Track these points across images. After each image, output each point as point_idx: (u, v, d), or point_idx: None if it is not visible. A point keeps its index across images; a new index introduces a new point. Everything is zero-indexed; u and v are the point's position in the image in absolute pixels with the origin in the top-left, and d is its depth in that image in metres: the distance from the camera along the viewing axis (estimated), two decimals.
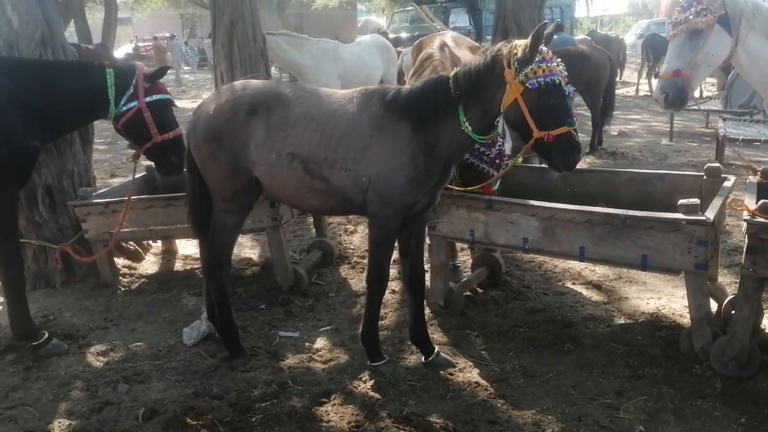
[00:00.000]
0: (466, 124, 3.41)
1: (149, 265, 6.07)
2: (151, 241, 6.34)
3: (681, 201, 3.74)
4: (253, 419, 3.44)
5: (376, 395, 3.66)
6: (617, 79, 14.81)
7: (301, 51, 10.57)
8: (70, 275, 5.52)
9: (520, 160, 3.73)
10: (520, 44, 3.24)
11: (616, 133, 12.40)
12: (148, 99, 4.44)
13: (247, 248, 6.43)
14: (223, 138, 3.75)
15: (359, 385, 3.79)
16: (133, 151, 4.89)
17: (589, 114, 11.06)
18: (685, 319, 4.41)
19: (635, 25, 37.48)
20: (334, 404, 3.59)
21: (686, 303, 4.01)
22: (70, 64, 4.91)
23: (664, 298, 4.92)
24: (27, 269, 5.43)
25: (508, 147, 3.49)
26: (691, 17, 3.79)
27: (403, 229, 3.79)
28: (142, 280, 5.69)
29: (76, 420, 3.56)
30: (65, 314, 4.99)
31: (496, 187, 4.57)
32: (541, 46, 3.21)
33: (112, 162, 10.91)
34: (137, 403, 3.66)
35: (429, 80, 3.62)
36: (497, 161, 4.56)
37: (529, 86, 3.19)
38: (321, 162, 3.60)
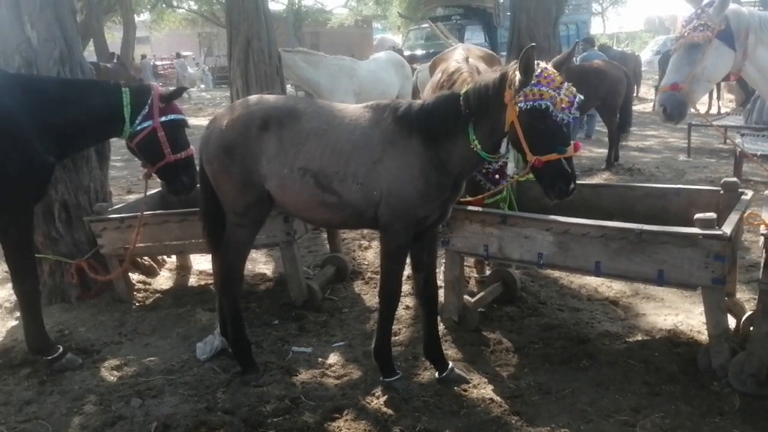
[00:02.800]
0: (476, 142, 3.41)
1: (164, 280, 6.09)
2: (165, 257, 6.37)
3: (697, 215, 3.70)
4: None
5: (389, 411, 3.63)
6: (633, 95, 14.73)
7: (317, 68, 10.65)
8: (85, 290, 5.54)
9: (516, 180, 3.70)
10: None
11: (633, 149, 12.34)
12: (162, 119, 4.50)
13: (261, 263, 6.44)
14: (235, 152, 3.77)
15: (372, 401, 3.76)
16: (145, 170, 4.92)
17: (606, 130, 11.02)
18: (703, 336, 4.34)
19: (652, 42, 37.42)
20: (347, 420, 3.57)
21: (704, 319, 3.95)
22: (87, 83, 4.98)
23: (681, 314, 4.85)
24: (43, 284, 5.49)
25: (510, 167, 3.46)
26: (689, 32, 3.80)
27: (415, 243, 3.78)
28: (157, 295, 5.71)
29: None
30: (80, 329, 5.00)
31: (492, 200, 4.54)
32: (546, 68, 3.19)
33: (128, 179, 11.01)
34: (150, 418, 3.66)
35: (440, 96, 3.63)
36: (496, 176, 4.56)
37: (520, 108, 3.18)
38: (332, 176, 3.61)
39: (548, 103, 3.14)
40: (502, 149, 3.40)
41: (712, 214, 3.70)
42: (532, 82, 3.16)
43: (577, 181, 3.38)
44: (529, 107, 3.15)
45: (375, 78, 11.20)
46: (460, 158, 3.50)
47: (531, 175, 3.41)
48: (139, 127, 4.48)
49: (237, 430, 3.46)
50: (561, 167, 3.21)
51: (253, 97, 4.10)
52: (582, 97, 3.32)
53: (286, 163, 3.68)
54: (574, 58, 12.90)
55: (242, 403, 3.76)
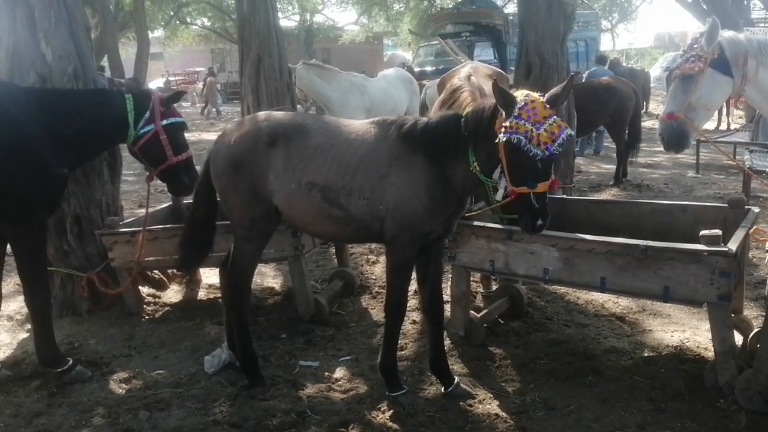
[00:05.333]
0: (475, 164, 3.45)
1: (173, 293, 6.14)
2: (175, 270, 6.42)
3: (702, 232, 3.71)
4: None
5: (395, 426, 3.65)
6: (642, 111, 14.74)
7: (330, 83, 10.76)
8: (96, 303, 5.59)
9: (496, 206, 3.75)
10: (518, 94, 3.28)
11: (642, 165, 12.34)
12: (164, 122, 4.64)
13: (270, 278, 6.47)
14: (243, 167, 3.84)
15: (378, 416, 3.78)
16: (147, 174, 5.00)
17: (615, 146, 11.03)
18: (710, 353, 4.33)
19: (661, 58, 37.40)
20: None
21: (711, 336, 3.95)
22: (94, 93, 5.09)
23: (688, 331, 4.84)
24: (54, 297, 5.53)
25: (501, 193, 3.50)
26: (682, 64, 3.88)
27: (421, 257, 3.82)
28: (166, 308, 5.75)
29: None
30: (90, 341, 5.05)
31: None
32: (532, 101, 3.20)
33: (140, 193, 11.08)
34: (157, 430, 3.69)
35: (444, 116, 3.69)
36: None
37: (499, 139, 3.22)
38: (339, 190, 3.66)
39: (521, 138, 3.15)
40: (496, 175, 3.44)
41: (717, 231, 3.72)
42: (514, 114, 3.20)
43: (585, 198, 3.40)
44: (505, 139, 3.19)
45: (385, 95, 11.30)
46: (462, 177, 3.55)
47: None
48: (142, 131, 4.62)
49: None
50: (529, 202, 3.25)
51: (262, 114, 4.17)
52: (572, 132, 3.35)
53: (293, 178, 3.74)
54: (582, 75, 12.95)
55: (249, 416, 3.78)
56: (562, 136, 3.21)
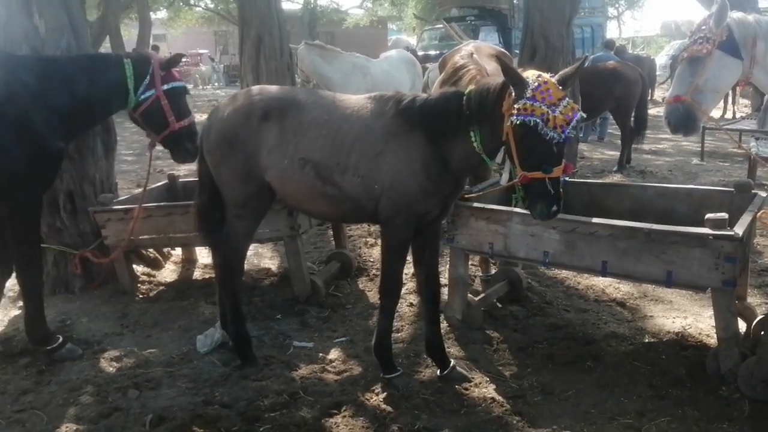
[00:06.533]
0: (477, 143, 3.33)
1: (168, 272, 6.06)
2: (171, 249, 6.34)
3: (708, 215, 3.61)
4: (261, 429, 3.39)
5: (388, 408, 3.57)
6: (648, 98, 14.59)
7: (332, 64, 10.62)
8: (89, 281, 5.52)
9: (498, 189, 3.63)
10: (529, 75, 3.15)
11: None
12: (165, 87, 4.50)
13: (266, 258, 6.39)
14: (236, 143, 3.73)
15: (371, 398, 3.70)
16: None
17: (619, 132, 10.92)
18: (712, 340, 4.24)
19: (667, 46, 37.09)
20: (345, 416, 3.51)
21: (714, 323, 3.86)
22: (91, 58, 4.88)
23: (690, 317, 4.76)
24: (47, 274, 5.46)
25: (504, 178, 3.37)
26: (690, 45, 3.78)
27: (417, 238, 3.72)
28: (161, 287, 5.67)
29: (83, 425, 3.53)
30: (82, 319, 4.97)
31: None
32: (545, 82, 3.07)
33: (138, 173, 10.99)
34: (146, 410, 3.61)
35: (444, 93, 3.58)
36: None
37: (512, 121, 3.09)
38: (333, 168, 3.55)
39: (538, 120, 3.02)
40: (498, 158, 3.32)
41: (723, 214, 3.61)
42: (527, 95, 3.05)
43: (587, 180, 3.30)
44: (519, 122, 3.05)
45: (387, 76, 11.16)
46: (461, 156, 3.43)
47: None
48: (142, 97, 4.47)
49: (233, 424, 3.41)
50: (544, 188, 3.12)
51: (255, 88, 4.06)
52: (584, 114, 3.22)
53: (286, 153, 3.64)
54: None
55: (240, 396, 3.71)
56: (575, 118, 3.10)
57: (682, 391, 3.68)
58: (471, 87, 3.46)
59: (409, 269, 4.83)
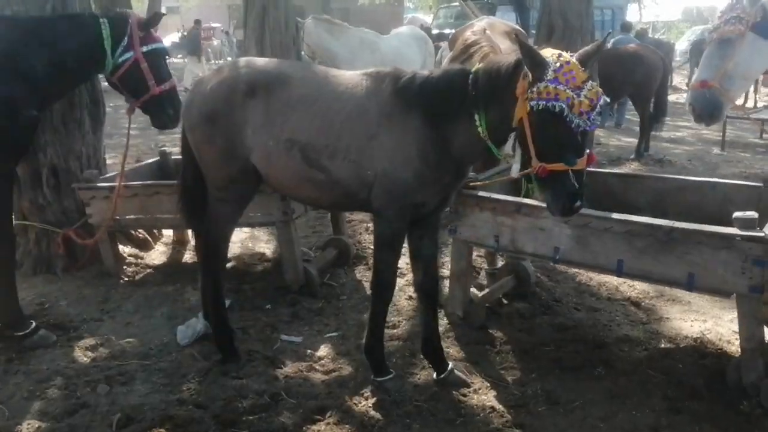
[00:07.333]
0: (482, 128, 2.99)
1: (157, 254, 5.77)
2: (163, 230, 6.05)
3: (736, 214, 3.26)
4: None
5: (377, 415, 3.27)
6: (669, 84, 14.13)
7: (339, 39, 10.19)
8: (72, 262, 5.24)
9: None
10: (547, 54, 2.79)
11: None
12: (144, 48, 4.21)
13: (262, 242, 6.09)
14: (218, 120, 3.41)
15: (360, 402, 3.40)
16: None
17: (638, 119, 10.53)
18: (734, 347, 3.92)
19: (688, 32, 36.37)
20: (329, 423, 3.21)
21: (735, 328, 3.54)
22: (64, 19, 4.49)
23: (710, 320, 4.42)
24: (28, 253, 5.22)
25: (515, 168, 3.02)
26: (721, 26, 3.41)
27: (414, 231, 3.40)
28: (147, 270, 5.38)
29: (46, 422, 3.27)
30: (61, 302, 4.71)
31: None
32: (567, 62, 2.73)
33: (140, 147, 10.75)
34: (114, 408, 3.35)
35: (448, 71, 3.24)
36: None
37: (531, 107, 2.74)
38: (321, 150, 3.23)
39: (563, 106, 2.68)
40: (507, 147, 2.97)
41: (753, 213, 3.27)
42: (548, 77, 2.70)
43: (604, 170, 2.96)
44: (541, 107, 2.70)
45: (397, 54, 10.72)
46: (463, 142, 3.09)
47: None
48: (120, 60, 4.18)
49: (206, 428, 3.13)
50: (567, 181, 2.77)
51: (243, 59, 3.75)
52: (607, 99, 2.87)
53: (272, 134, 3.31)
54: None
55: (217, 396, 3.42)
56: (599, 103, 2.76)
57: (700, 405, 3.36)
58: (478, 65, 3.11)
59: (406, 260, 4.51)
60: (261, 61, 3.66)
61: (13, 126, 3.88)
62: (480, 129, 3.00)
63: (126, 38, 4.17)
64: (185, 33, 29.41)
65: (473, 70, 3.07)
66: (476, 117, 3.00)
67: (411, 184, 3.14)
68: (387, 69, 3.33)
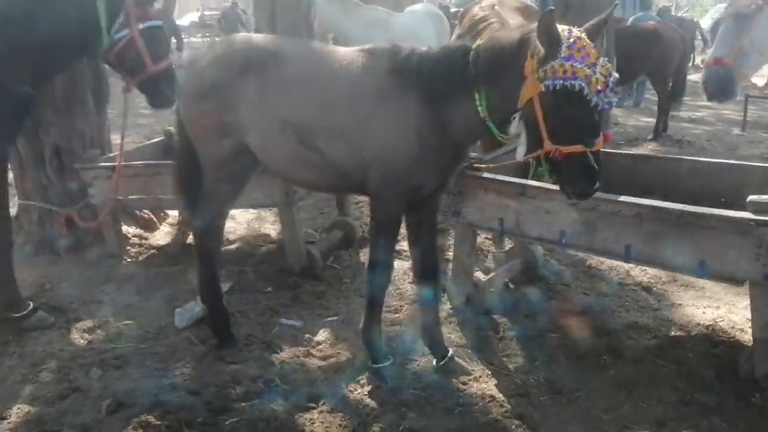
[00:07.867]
0: (482, 108, 2.86)
1: (162, 235, 5.71)
2: (168, 211, 5.99)
3: (750, 197, 3.10)
4: (226, 423, 3.02)
5: (373, 404, 3.18)
6: (689, 63, 13.78)
7: (350, 18, 9.99)
8: (75, 242, 5.19)
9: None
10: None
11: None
12: (141, 26, 4.07)
13: (268, 223, 6.00)
14: (212, 98, 3.30)
15: (355, 390, 3.31)
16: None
17: (657, 98, 10.28)
18: (747, 335, 3.77)
19: (713, 9, 35.62)
20: (322, 411, 3.13)
21: (749, 315, 3.38)
22: None
23: (723, 307, 4.27)
24: (31, 234, 5.18)
25: (520, 151, 2.88)
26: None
27: (412, 214, 3.28)
28: (151, 251, 5.33)
29: (37, 406, 3.22)
30: (63, 284, 4.66)
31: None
32: (579, 38, 2.58)
33: (154, 126, 10.70)
34: (106, 392, 3.28)
35: (447, 48, 3.10)
36: None
37: (545, 86, 2.60)
38: (316, 131, 3.11)
39: (583, 84, 2.54)
40: (512, 128, 2.84)
41: (767, 197, 3.11)
42: (562, 54, 2.56)
43: (614, 151, 2.82)
44: (558, 86, 2.56)
45: (410, 32, 10.48)
46: (463, 123, 2.96)
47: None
48: (116, 37, 4.05)
49: (196, 415, 3.04)
50: (586, 162, 2.64)
51: (239, 35, 3.62)
52: (617, 75, 2.72)
53: (266, 113, 3.19)
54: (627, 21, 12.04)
55: (211, 382, 3.35)
56: (611, 80, 2.63)
57: (710, 397, 3.21)
58: (479, 41, 2.96)
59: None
60: (258, 37, 3.55)
61: (5, 101, 3.78)
62: (480, 109, 2.87)
63: (122, 14, 4.05)
64: (210, 13, 29.34)
65: (473, 46, 2.93)
66: (476, 96, 2.86)
67: (408, 166, 3.03)
68: (385, 45, 3.19)
